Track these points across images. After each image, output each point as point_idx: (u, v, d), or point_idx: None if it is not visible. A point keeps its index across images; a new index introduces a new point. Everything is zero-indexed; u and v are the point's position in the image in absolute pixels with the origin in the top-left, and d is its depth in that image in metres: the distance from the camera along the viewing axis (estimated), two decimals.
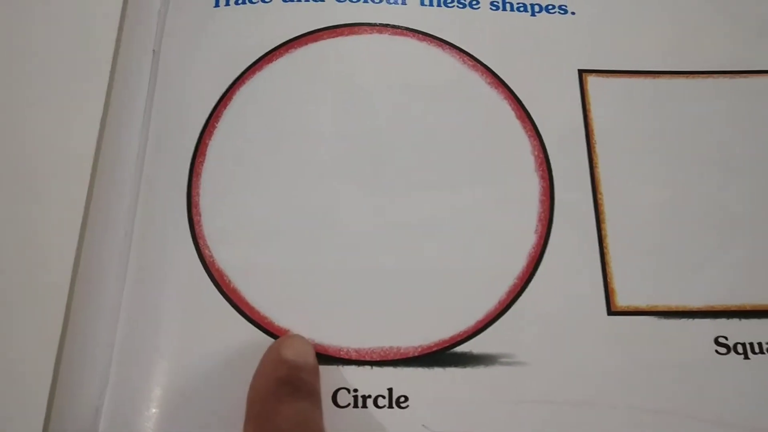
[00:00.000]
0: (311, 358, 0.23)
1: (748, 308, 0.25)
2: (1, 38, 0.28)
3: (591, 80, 0.28)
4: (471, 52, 0.29)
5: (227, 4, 0.29)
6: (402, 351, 0.24)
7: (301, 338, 0.23)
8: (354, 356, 0.24)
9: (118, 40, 0.28)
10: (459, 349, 0.24)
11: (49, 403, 0.22)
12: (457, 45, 0.29)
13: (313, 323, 0.24)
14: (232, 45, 0.28)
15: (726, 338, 0.24)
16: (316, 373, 0.23)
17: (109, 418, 0.23)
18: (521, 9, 0.30)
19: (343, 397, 0.23)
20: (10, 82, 0.27)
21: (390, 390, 0.23)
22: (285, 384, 0.21)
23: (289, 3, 0.29)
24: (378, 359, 0.24)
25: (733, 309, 0.25)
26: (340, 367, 0.23)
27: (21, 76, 0.27)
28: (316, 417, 0.21)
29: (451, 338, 0.24)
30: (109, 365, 0.23)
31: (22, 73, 0.27)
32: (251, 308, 0.24)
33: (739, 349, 0.24)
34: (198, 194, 0.26)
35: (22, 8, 0.28)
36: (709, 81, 0.28)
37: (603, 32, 0.29)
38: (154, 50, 0.28)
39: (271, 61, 0.28)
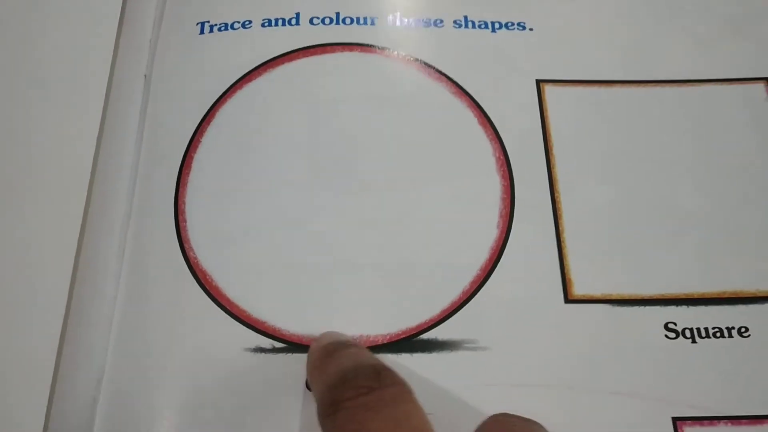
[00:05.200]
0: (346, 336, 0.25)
1: (695, 296, 0.27)
2: (3, 63, 0.30)
3: (548, 89, 0.30)
4: (436, 66, 0.31)
5: (211, 30, 0.31)
6: (372, 339, 0.25)
7: (335, 331, 0.25)
8: None
9: (113, 66, 0.30)
10: (425, 336, 0.25)
11: (50, 397, 0.24)
12: (424, 60, 0.31)
13: (289, 315, 0.26)
14: (216, 67, 0.30)
15: (675, 324, 0.26)
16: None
17: (104, 411, 0.24)
18: (482, 26, 0.32)
19: None
20: (15, 103, 0.29)
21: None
22: (331, 345, 0.23)
23: (267, 27, 0.31)
24: None
25: (681, 297, 0.26)
26: None
27: (25, 99, 0.29)
28: (368, 353, 0.23)
29: (418, 326, 0.26)
30: (104, 359, 0.25)
31: (26, 95, 0.29)
32: (231, 303, 0.26)
33: (687, 333, 0.26)
34: (184, 202, 0.27)
35: (25, 36, 0.30)
36: (658, 89, 0.31)
37: (559, 45, 0.31)
38: (145, 75, 0.30)
39: (250, 80, 0.30)
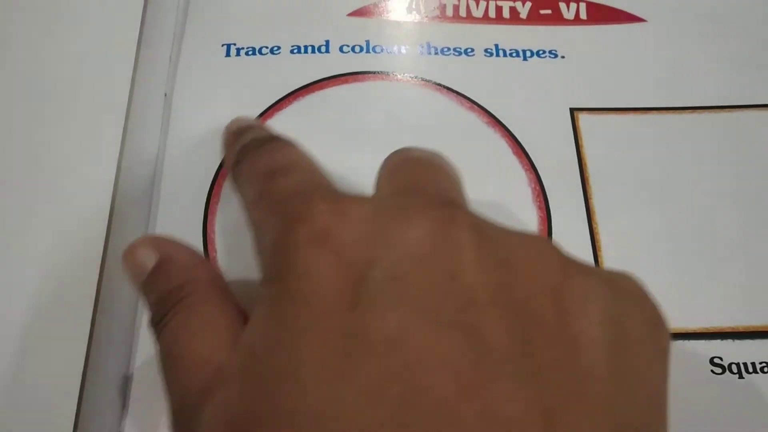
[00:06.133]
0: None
1: (741, 330, 0.26)
2: (21, 84, 0.29)
3: (582, 117, 0.30)
4: (468, 95, 0.30)
5: (238, 54, 0.31)
6: None
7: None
8: None
9: (133, 83, 0.30)
10: None
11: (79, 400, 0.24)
12: (455, 89, 0.30)
13: None
14: (244, 92, 0.30)
15: (721, 359, 0.25)
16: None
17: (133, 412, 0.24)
18: (513, 55, 0.31)
19: None
20: (31, 122, 0.28)
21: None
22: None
23: (297, 54, 0.31)
24: None
25: (727, 330, 0.26)
26: None
27: (42, 117, 0.29)
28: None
29: None
30: (127, 395, 0.24)
31: (43, 114, 0.29)
32: None
33: (734, 368, 0.25)
34: (213, 232, 0.27)
35: (41, 52, 0.30)
36: (694, 116, 0.30)
37: (592, 73, 0.31)
38: (165, 93, 0.30)
39: (280, 108, 0.30)
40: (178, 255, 0.22)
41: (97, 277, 0.25)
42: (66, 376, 0.24)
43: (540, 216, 0.28)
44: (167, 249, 0.22)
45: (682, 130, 0.30)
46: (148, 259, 0.22)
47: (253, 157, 0.23)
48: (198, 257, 0.23)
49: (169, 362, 0.20)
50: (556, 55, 0.32)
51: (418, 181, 0.21)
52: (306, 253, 0.17)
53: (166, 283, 0.21)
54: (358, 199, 0.19)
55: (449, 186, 0.22)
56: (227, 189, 0.28)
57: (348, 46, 0.31)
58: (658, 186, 0.29)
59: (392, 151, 0.23)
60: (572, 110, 0.30)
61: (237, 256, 0.27)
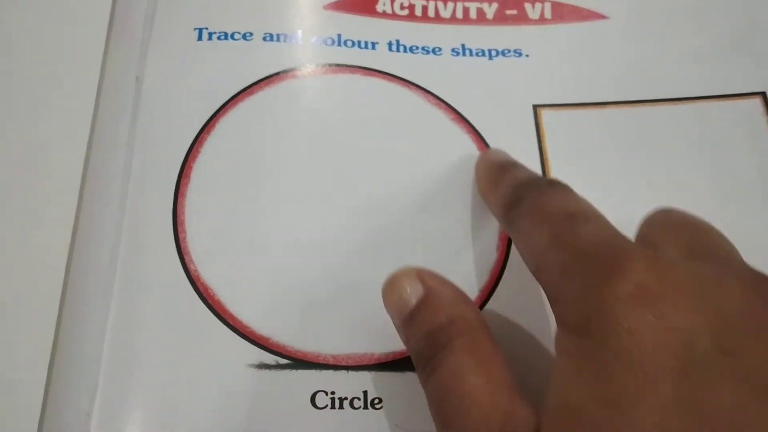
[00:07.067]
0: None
1: None
2: None
3: (545, 113, 0.31)
4: (435, 92, 0.31)
5: (210, 38, 0.31)
6: (376, 357, 0.26)
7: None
8: (331, 362, 0.25)
9: (103, 67, 0.30)
10: None
11: (42, 412, 0.24)
12: (422, 86, 0.31)
13: (293, 331, 0.26)
14: (216, 76, 0.30)
15: None
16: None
17: (98, 427, 0.24)
18: (479, 54, 0.33)
19: (322, 399, 0.25)
20: (0, 108, 0.29)
21: (365, 392, 0.25)
22: (503, 162, 0.27)
23: (269, 42, 0.32)
24: (354, 364, 0.25)
25: None
26: (319, 371, 0.25)
27: (10, 102, 0.29)
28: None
29: None
30: (97, 377, 0.25)
31: (12, 99, 0.29)
32: (234, 318, 0.26)
33: None
34: (183, 213, 0.27)
35: (9, 35, 0.30)
36: (654, 108, 0.31)
37: (555, 71, 0.32)
38: (137, 77, 0.30)
39: (252, 93, 0.30)
40: (443, 289, 0.22)
41: (66, 260, 0.26)
42: (33, 360, 0.24)
43: None
44: (432, 282, 0.22)
45: (642, 123, 0.31)
46: (414, 291, 0.22)
47: (542, 198, 0.22)
48: (461, 292, 0.23)
49: (450, 401, 0.19)
50: (520, 54, 0.33)
51: (716, 246, 0.21)
52: (628, 310, 0.17)
53: (435, 319, 0.21)
54: (672, 260, 0.19)
55: (740, 256, 0.22)
56: (197, 171, 0.28)
57: (320, 38, 0.32)
58: (616, 179, 0.30)
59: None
60: (535, 107, 0.31)
61: (206, 238, 0.27)
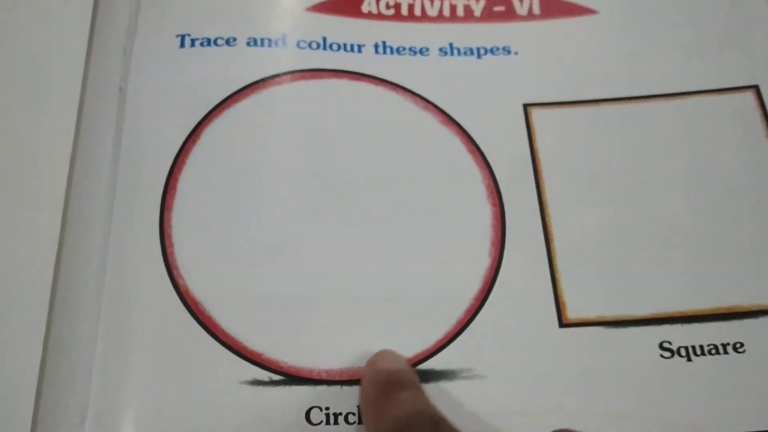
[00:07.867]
0: (404, 362, 0.25)
1: (689, 314, 0.27)
2: None
3: (535, 112, 0.30)
4: (423, 95, 0.31)
5: (192, 45, 0.31)
6: None
7: (391, 351, 0.25)
8: (325, 377, 0.25)
9: (85, 78, 0.29)
10: (422, 366, 0.26)
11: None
12: (410, 89, 0.31)
13: (286, 347, 0.26)
14: (199, 85, 0.30)
15: (670, 343, 0.26)
16: (414, 372, 0.25)
17: None
18: (468, 53, 0.32)
19: (316, 415, 0.24)
20: None
21: (359, 408, 0.25)
22: (387, 383, 0.23)
23: (253, 47, 0.31)
24: (347, 379, 0.25)
25: (675, 315, 0.27)
26: (313, 387, 0.25)
27: None
28: (425, 399, 0.23)
29: (415, 356, 0.26)
30: (88, 396, 0.24)
31: None
32: (226, 334, 0.26)
33: (682, 352, 0.26)
34: (170, 226, 0.27)
35: None
36: (645, 104, 0.31)
37: (545, 68, 0.32)
38: (121, 87, 0.29)
39: (238, 100, 0.30)
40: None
41: (52, 279, 0.25)
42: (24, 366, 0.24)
43: (494, 212, 0.28)
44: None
45: (634, 120, 0.30)
46: None
47: None
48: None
49: None
50: (509, 52, 0.32)
51: None
52: None
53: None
54: None
55: None
56: (183, 183, 0.28)
57: (305, 41, 0.32)
58: (608, 177, 0.29)
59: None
60: (525, 106, 0.31)
61: (194, 252, 0.27)
